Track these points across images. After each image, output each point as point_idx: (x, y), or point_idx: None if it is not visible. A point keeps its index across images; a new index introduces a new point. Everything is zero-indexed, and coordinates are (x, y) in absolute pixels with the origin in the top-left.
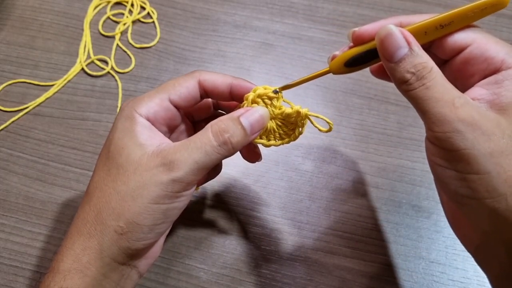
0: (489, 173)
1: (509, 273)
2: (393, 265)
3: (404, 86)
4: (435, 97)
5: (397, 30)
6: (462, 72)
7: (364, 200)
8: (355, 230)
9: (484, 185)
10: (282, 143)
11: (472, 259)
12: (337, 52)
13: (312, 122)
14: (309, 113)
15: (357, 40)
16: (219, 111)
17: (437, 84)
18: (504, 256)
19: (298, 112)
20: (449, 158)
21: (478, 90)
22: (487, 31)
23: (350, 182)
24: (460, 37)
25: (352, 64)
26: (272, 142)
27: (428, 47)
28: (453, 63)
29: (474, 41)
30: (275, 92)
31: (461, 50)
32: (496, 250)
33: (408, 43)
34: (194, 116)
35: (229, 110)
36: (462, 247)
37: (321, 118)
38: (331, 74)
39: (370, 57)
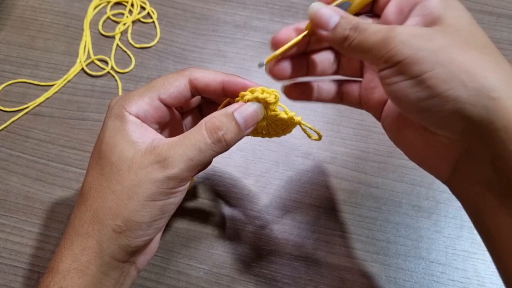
0: (442, 65)
1: (497, 187)
2: (393, 265)
3: (346, 42)
4: (373, 31)
5: (323, 4)
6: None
7: (364, 200)
8: (355, 230)
9: (441, 78)
10: (264, 137)
11: (472, 259)
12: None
13: (303, 130)
14: (302, 122)
15: (277, 45)
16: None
17: (372, 26)
18: (488, 171)
19: (291, 119)
20: (402, 69)
21: (410, 22)
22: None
23: (350, 182)
24: None
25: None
26: (259, 135)
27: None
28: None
29: None
30: (261, 65)
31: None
32: (477, 167)
33: (337, 12)
34: (182, 107)
35: (218, 98)
36: (462, 247)
37: (311, 128)
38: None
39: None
